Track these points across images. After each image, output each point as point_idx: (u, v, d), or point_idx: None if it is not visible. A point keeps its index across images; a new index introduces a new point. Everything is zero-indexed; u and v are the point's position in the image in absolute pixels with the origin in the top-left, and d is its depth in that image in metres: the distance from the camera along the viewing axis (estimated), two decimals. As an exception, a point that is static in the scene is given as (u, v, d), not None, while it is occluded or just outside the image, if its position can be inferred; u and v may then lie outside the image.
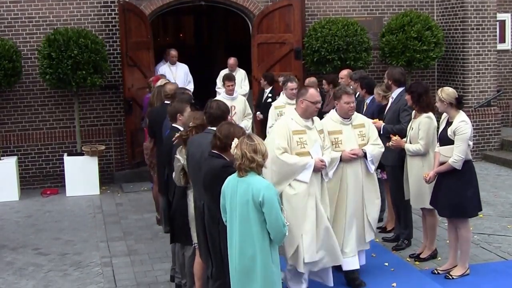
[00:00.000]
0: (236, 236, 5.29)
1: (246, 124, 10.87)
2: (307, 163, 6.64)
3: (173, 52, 13.66)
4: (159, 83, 9.98)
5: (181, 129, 7.24)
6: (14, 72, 11.74)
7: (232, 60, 13.81)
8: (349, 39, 12.81)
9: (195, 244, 6.67)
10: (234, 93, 11.19)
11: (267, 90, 12.37)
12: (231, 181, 5.34)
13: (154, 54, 13.47)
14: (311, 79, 11.59)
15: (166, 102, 8.85)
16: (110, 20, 12.72)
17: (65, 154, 12.37)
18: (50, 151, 12.67)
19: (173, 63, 13.64)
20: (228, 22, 21.12)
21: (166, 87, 9.17)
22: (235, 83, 11.36)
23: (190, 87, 12.95)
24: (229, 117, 6.68)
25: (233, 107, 10.60)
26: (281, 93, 10.69)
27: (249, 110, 11.33)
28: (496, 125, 14.38)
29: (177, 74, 13.45)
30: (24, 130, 12.56)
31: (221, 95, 11.34)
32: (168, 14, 16.99)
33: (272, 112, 10.31)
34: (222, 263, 5.77)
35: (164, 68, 13.42)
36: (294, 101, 8.75)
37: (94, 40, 11.83)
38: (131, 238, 9.47)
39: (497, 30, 14.54)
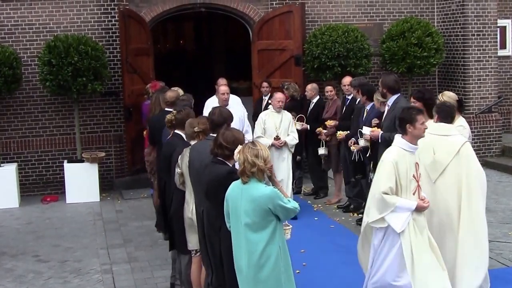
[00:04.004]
0: (242, 243, 5.30)
1: None
2: None
3: (223, 88, 10.28)
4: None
5: (183, 135, 7.26)
6: (14, 79, 11.74)
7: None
8: (350, 45, 12.79)
9: (193, 253, 6.67)
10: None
11: (266, 97, 12.35)
12: (235, 188, 5.38)
13: (154, 61, 13.47)
14: (313, 85, 11.56)
15: (166, 109, 8.82)
16: (110, 26, 12.72)
17: (65, 161, 12.35)
18: (50, 158, 12.65)
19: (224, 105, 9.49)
20: (228, 29, 21.13)
21: (167, 94, 9.11)
22: None
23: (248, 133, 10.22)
24: None
25: None
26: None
27: None
28: (497, 131, 14.37)
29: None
30: (24, 137, 12.55)
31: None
32: (168, 21, 16.99)
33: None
34: (222, 270, 5.76)
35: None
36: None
37: (94, 47, 11.82)
38: (131, 245, 9.45)
39: (498, 36, 14.54)
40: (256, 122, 10.57)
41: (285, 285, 5.31)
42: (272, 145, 10.19)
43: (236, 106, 10.52)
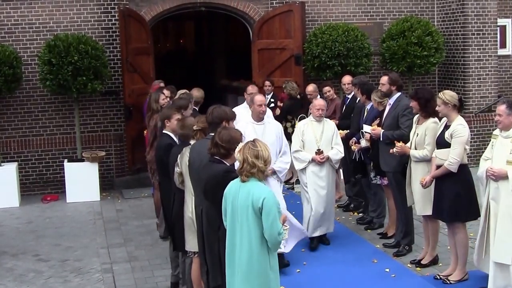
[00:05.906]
0: (236, 240, 5.30)
1: None
2: None
3: (260, 99, 8.45)
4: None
5: (171, 135, 7.34)
6: (15, 78, 11.73)
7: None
8: (350, 44, 12.79)
9: (190, 254, 6.66)
10: None
11: (269, 96, 12.35)
12: (233, 185, 5.37)
13: (154, 60, 13.47)
14: (314, 86, 11.51)
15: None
16: (110, 26, 12.72)
17: (66, 160, 12.36)
18: (50, 157, 12.66)
19: (260, 119, 8.37)
20: (228, 28, 21.17)
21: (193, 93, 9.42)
22: None
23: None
24: None
25: None
26: None
27: None
28: (496, 131, 14.34)
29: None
30: (24, 136, 12.55)
31: None
32: (168, 20, 17.01)
33: None
34: (221, 270, 5.76)
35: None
36: None
37: (94, 46, 11.82)
38: (132, 244, 9.45)
39: (498, 35, 14.53)
40: (293, 134, 9.16)
41: (273, 282, 5.33)
42: (313, 160, 8.67)
43: (274, 121, 8.94)
